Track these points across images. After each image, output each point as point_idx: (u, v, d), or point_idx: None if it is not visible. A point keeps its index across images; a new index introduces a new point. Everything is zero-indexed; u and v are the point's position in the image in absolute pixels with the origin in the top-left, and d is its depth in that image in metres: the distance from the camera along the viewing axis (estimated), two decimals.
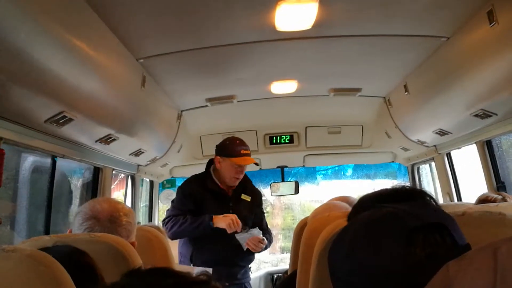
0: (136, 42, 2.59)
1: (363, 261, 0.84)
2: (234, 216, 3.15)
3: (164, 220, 3.27)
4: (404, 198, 0.94)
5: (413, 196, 0.96)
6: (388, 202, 0.92)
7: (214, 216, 3.14)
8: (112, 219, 1.58)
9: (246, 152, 3.28)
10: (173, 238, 3.23)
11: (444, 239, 0.83)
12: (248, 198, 3.41)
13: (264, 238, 3.26)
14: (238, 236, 3.18)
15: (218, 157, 3.31)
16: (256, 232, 3.24)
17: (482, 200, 2.58)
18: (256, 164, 3.35)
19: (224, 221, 3.13)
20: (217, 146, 3.40)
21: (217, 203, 3.26)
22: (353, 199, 2.38)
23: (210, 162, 3.43)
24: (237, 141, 3.32)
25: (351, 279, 0.86)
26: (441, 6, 2.31)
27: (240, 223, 3.15)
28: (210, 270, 2.69)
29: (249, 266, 3.49)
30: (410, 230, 0.82)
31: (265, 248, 3.39)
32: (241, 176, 3.31)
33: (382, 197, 0.97)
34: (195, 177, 3.43)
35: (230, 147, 3.29)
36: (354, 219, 0.92)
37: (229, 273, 3.26)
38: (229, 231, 3.12)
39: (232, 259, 3.28)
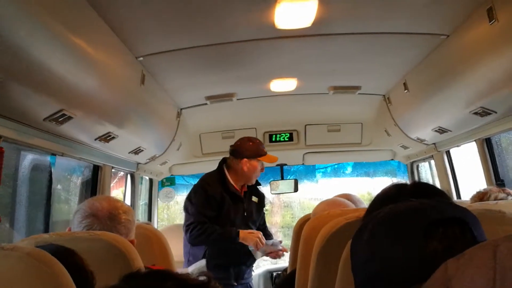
0: (135, 40, 2.59)
1: (380, 249, 0.84)
2: (260, 234, 3.24)
3: (188, 225, 3.25)
4: (426, 195, 0.96)
5: (434, 193, 0.97)
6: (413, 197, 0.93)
7: (240, 231, 3.21)
8: (111, 217, 1.59)
9: (266, 150, 3.42)
10: (195, 244, 3.25)
11: (464, 234, 0.82)
12: (256, 200, 3.46)
13: (286, 250, 3.35)
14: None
15: (246, 159, 3.36)
16: (276, 243, 3.32)
17: (478, 197, 2.53)
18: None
19: (251, 240, 3.20)
20: (238, 149, 3.43)
21: (234, 205, 3.30)
22: (355, 197, 2.39)
23: (223, 161, 3.45)
24: (257, 141, 3.42)
25: (367, 267, 0.86)
26: (441, 4, 2.31)
27: (264, 241, 3.20)
28: (203, 262, 2.74)
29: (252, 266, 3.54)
30: (430, 222, 0.82)
31: None
32: None
33: (405, 192, 0.99)
34: (213, 177, 3.44)
35: (256, 147, 3.37)
36: (381, 210, 0.92)
37: (237, 273, 3.31)
38: (254, 249, 3.22)
39: (241, 261, 3.32)
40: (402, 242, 0.82)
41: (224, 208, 3.26)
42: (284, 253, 3.40)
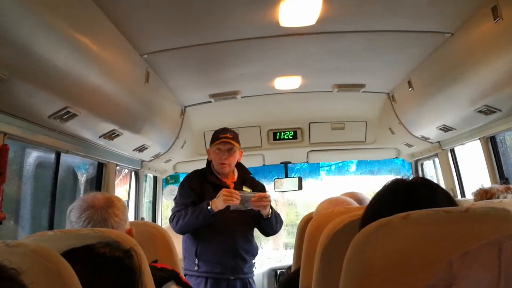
0: (140, 38, 2.59)
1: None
2: (225, 190, 3.08)
3: (170, 218, 3.27)
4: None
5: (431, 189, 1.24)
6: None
7: (210, 201, 3.09)
8: (108, 204, 1.63)
9: (224, 135, 3.27)
10: (181, 232, 3.23)
11: None
12: (249, 190, 3.41)
13: (266, 193, 3.22)
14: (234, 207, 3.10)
15: (208, 149, 3.37)
16: (250, 192, 3.17)
17: (484, 194, 2.53)
18: (233, 140, 3.27)
19: (220, 201, 3.04)
20: None
21: (216, 193, 3.24)
22: (361, 195, 2.38)
23: None
24: (219, 129, 3.33)
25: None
26: (445, 2, 2.30)
27: (237, 191, 3.08)
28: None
29: (254, 261, 3.48)
30: None
31: (276, 222, 3.35)
32: (228, 161, 3.27)
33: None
34: (196, 171, 3.44)
35: (212, 136, 3.33)
36: None
37: (234, 266, 3.25)
38: (229, 204, 3.04)
39: (236, 250, 3.27)
40: None
41: (205, 198, 3.22)
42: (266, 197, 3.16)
